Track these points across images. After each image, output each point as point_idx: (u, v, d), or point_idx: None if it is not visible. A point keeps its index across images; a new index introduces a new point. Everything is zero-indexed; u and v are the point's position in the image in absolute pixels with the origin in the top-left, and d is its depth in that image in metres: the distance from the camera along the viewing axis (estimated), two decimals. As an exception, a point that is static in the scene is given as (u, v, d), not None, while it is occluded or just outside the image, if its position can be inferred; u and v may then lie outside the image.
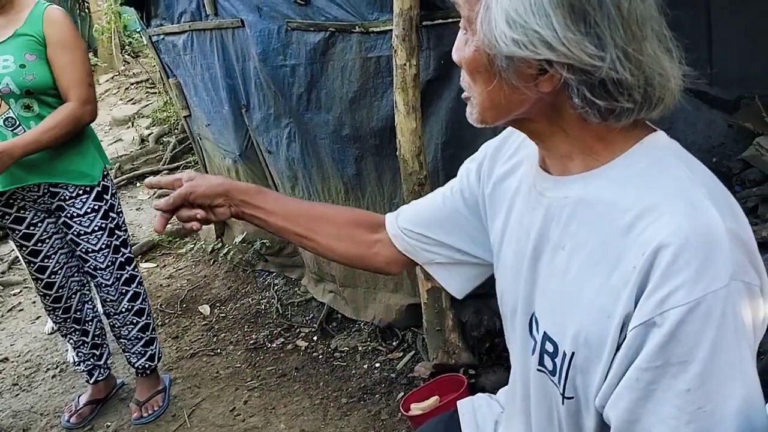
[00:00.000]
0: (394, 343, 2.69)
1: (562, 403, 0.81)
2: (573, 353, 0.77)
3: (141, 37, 7.13)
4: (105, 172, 2.33)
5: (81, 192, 2.25)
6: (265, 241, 3.38)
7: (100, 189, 2.29)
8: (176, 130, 6.21)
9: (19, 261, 4.08)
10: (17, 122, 2.11)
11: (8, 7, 2.13)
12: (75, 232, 2.28)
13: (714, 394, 0.67)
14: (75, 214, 2.25)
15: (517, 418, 0.98)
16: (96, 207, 2.28)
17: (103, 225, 2.30)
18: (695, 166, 0.77)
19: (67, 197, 2.24)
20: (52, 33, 2.13)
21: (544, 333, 0.83)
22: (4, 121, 2.10)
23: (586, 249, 0.78)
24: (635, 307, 0.70)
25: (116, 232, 2.34)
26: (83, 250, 2.31)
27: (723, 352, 0.66)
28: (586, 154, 0.79)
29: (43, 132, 2.08)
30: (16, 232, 2.30)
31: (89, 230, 2.27)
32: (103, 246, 2.31)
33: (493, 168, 1.01)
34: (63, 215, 2.26)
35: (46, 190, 2.24)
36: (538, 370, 0.86)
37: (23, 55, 2.09)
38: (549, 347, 0.82)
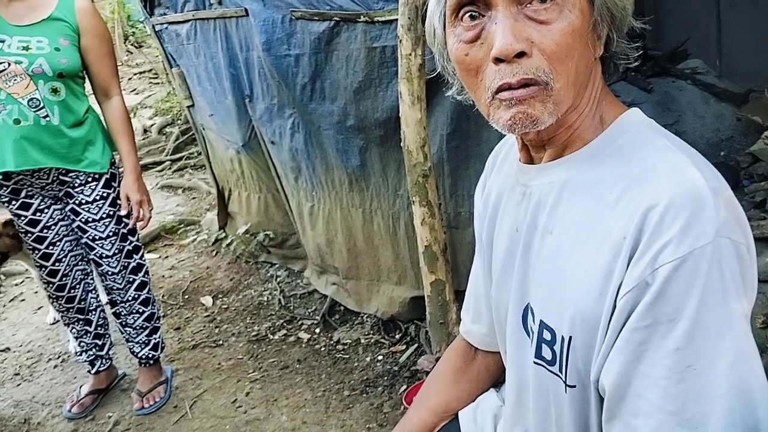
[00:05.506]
0: (397, 336, 2.68)
1: (565, 392, 0.79)
2: (571, 337, 0.76)
3: (144, 27, 7.10)
4: (113, 160, 2.33)
5: (90, 179, 2.25)
6: (268, 232, 3.37)
7: (108, 176, 2.29)
8: (179, 121, 6.21)
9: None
10: (41, 104, 2.11)
11: None
12: (83, 219, 2.27)
13: (703, 352, 0.65)
14: (83, 201, 2.25)
15: (515, 412, 0.96)
16: (105, 194, 2.27)
17: (111, 212, 2.29)
18: (672, 137, 0.78)
19: (76, 184, 2.24)
20: (87, 23, 2.17)
21: (541, 322, 0.81)
22: (28, 101, 2.10)
23: (575, 229, 0.77)
24: (626, 275, 0.69)
25: (124, 219, 2.33)
26: (90, 237, 2.30)
27: (710, 309, 0.65)
28: (585, 128, 0.80)
29: (130, 142, 2.29)
30: (22, 218, 2.28)
31: (97, 218, 2.27)
32: (111, 234, 2.30)
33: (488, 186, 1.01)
34: (71, 202, 2.26)
35: (55, 177, 2.23)
36: (534, 363, 0.84)
37: (58, 39, 2.12)
38: (546, 335, 0.80)
